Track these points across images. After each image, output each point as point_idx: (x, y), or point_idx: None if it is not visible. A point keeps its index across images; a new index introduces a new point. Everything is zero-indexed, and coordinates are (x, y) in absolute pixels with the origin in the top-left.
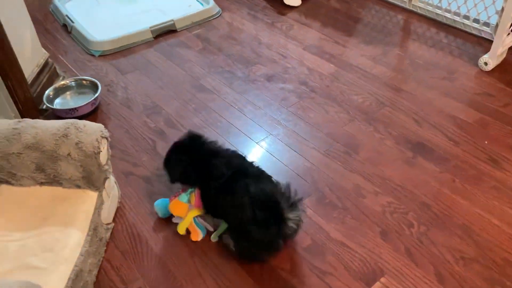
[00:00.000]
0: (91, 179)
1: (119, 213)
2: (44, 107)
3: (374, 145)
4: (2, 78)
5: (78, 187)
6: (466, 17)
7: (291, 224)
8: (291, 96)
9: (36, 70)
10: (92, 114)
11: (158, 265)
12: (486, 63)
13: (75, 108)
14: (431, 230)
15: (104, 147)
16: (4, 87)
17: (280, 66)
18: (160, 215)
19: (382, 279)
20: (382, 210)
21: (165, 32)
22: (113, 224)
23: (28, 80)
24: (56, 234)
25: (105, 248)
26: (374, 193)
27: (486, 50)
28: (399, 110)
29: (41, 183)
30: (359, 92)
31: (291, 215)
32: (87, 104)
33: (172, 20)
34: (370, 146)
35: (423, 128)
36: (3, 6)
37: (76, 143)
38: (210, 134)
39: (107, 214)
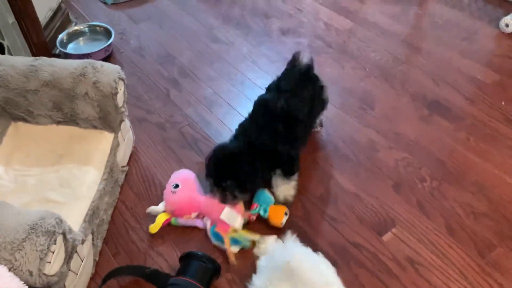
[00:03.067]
0: (107, 120)
1: (133, 157)
2: (57, 51)
3: (390, 102)
4: (17, 20)
5: (95, 127)
6: None
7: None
8: (307, 51)
9: (50, 14)
10: (105, 61)
11: None
12: (507, 25)
13: (88, 54)
14: (443, 185)
15: (121, 89)
16: (19, 29)
17: (295, 20)
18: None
19: (394, 230)
20: (396, 164)
21: None
22: (127, 167)
23: (41, 24)
24: (74, 171)
25: (119, 189)
26: (388, 147)
27: (508, 11)
28: (416, 68)
29: (58, 122)
30: (376, 49)
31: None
32: (100, 50)
33: None
34: (385, 102)
35: (440, 86)
36: None
37: (94, 83)
38: (224, 86)
39: (122, 157)
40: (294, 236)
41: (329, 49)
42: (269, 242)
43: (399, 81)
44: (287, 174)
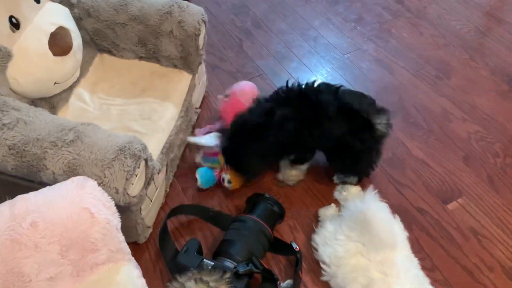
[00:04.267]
0: (187, 60)
1: (205, 101)
2: None
3: (468, 73)
4: None
5: (175, 66)
6: None
7: (380, 128)
8: (385, 13)
9: None
10: None
11: None
12: None
13: None
14: None
15: (203, 31)
16: None
17: None
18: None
19: (460, 200)
20: (468, 136)
21: None
22: (200, 109)
23: None
24: (154, 105)
25: (191, 129)
26: (462, 119)
27: None
28: (499, 41)
29: (140, 58)
30: (458, 18)
31: (378, 121)
32: None
33: None
34: (463, 73)
35: None
36: None
37: (179, 22)
38: (296, 41)
39: (197, 99)
40: (376, 191)
41: (408, 14)
42: (352, 192)
43: (479, 53)
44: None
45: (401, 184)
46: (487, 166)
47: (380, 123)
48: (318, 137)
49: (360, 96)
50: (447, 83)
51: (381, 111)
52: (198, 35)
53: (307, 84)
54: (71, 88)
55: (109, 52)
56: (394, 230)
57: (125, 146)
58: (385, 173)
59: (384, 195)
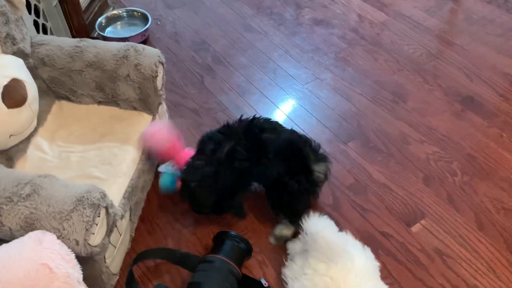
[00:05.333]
0: (147, 102)
1: None
2: (96, 34)
3: (422, 96)
4: (60, 3)
5: (134, 109)
6: None
7: (318, 174)
8: (340, 42)
9: None
10: None
11: None
12: None
13: (126, 38)
14: (474, 180)
15: (160, 72)
16: (61, 11)
17: (329, 11)
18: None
19: (423, 221)
20: (427, 157)
21: None
22: None
23: (82, 7)
24: (114, 149)
25: (155, 169)
26: (420, 141)
27: None
28: (450, 63)
29: (99, 102)
30: (410, 42)
31: (317, 168)
32: (137, 34)
33: None
34: (418, 96)
35: (473, 82)
36: None
37: (135, 65)
38: (256, 74)
39: None
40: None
41: (362, 41)
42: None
43: (432, 75)
44: None
45: (364, 209)
46: (446, 185)
47: (319, 170)
48: (257, 173)
49: (304, 141)
50: (404, 106)
51: (322, 158)
52: (156, 76)
53: (254, 119)
54: (28, 138)
55: (67, 99)
56: (344, 240)
57: (83, 196)
58: (348, 199)
59: (348, 221)
